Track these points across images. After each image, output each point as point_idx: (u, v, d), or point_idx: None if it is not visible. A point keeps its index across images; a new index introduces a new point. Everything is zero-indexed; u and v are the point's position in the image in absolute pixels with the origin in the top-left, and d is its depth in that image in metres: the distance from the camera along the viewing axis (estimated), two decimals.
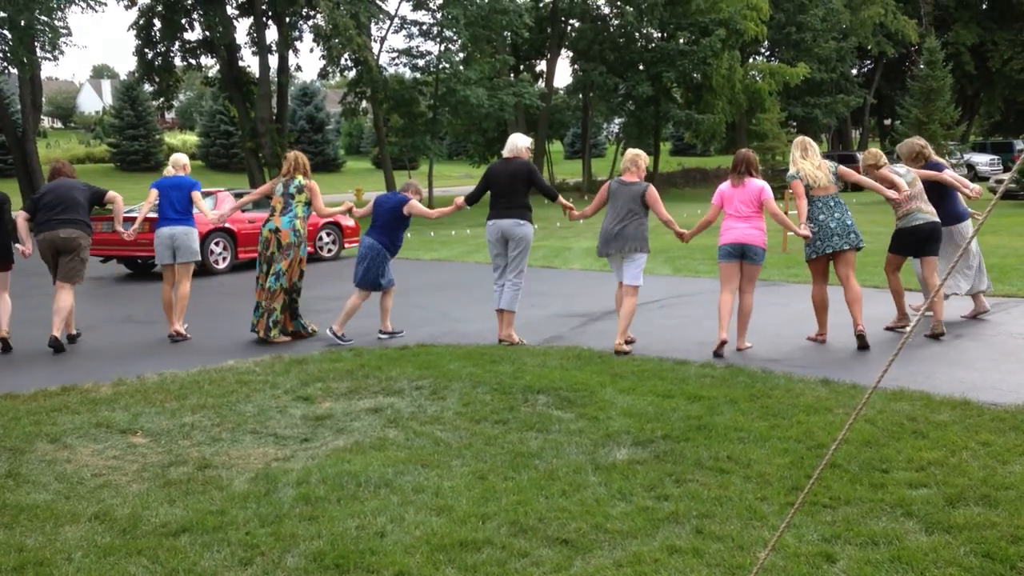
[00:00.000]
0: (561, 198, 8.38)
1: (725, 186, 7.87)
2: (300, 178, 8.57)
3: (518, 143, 8.29)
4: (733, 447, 4.91)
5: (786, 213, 8.29)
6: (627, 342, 7.79)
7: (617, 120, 50.05)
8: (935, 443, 4.88)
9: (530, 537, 3.83)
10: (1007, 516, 3.91)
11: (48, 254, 8.49)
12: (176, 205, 8.99)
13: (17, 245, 8.76)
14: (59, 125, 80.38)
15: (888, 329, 8.36)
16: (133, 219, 11.29)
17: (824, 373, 6.54)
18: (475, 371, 6.82)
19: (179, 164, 9.20)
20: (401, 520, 4.04)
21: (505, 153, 8.30)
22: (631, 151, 8.23)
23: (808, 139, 8.24)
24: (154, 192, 9.10)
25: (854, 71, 50.88)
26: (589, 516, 4.02)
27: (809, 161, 7.94)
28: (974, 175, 36.13)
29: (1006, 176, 29.24)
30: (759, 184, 7.78)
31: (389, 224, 8.50)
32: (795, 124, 44.22)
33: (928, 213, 8.16)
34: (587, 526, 3.92)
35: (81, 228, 8.49)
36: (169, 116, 75.04)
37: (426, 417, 5.70)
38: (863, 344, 7.54)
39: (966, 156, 35.74)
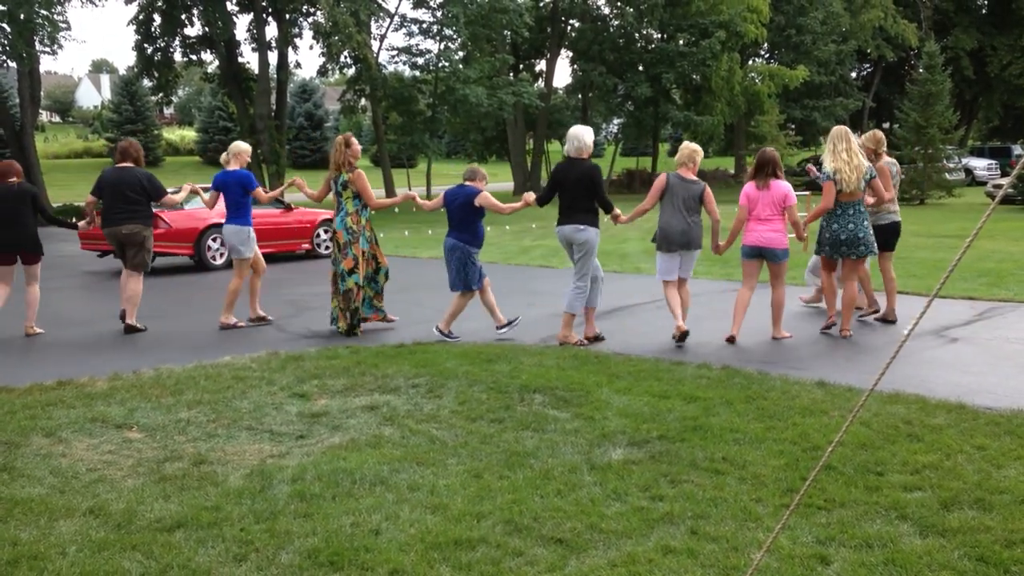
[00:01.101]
0: (615, 210, 8.11)
1: (750, 187, 7.99)
2: (344, 174, 8.55)
3: (586, 140, 7.90)
4: (728, 448, 4.91)
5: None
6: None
7: (616, 121, 50.00)
8: (930, 446, 4.89)
9: (525, 536, 3.83)
10: (1001, 520, 3.92)
11: (114, 245, 9.11)
12: (230, 204, 9.10)
13: (80, 223, 9.61)
14: (57, 119, 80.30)
15: (884, 320, 8.74)
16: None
17: (820, 375, 6.55)
18: (471, 370, 6.82)
19: (234, 152, 9.19)
20: (396, 518, 4.04)
21: (571, 151, 7.95)
22: (690, 146, 8.08)
23: (850, 132, 8.24)
24: (214, 193, 9.31)
25: (853, 74, 50.89)
26: (584, 516, 4.02)
27: (850, 160, 7.95)
28: (972, 179, 36.22)
29: (1004, 181, 29.30)
30: (784, 188, 7.97)
31: (465, 220, 8.24)
32: (793, 126, 44.21)
33: (895, 212, 8.68)
34: (582, 526, 3.92)
35: (142, 222, 8.96)
36: (168, 112, 74.90)
37: (422, 415, 5.70)
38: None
39: (964, 160, 35.76)
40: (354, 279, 8.55)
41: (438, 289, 11.84)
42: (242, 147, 9.30)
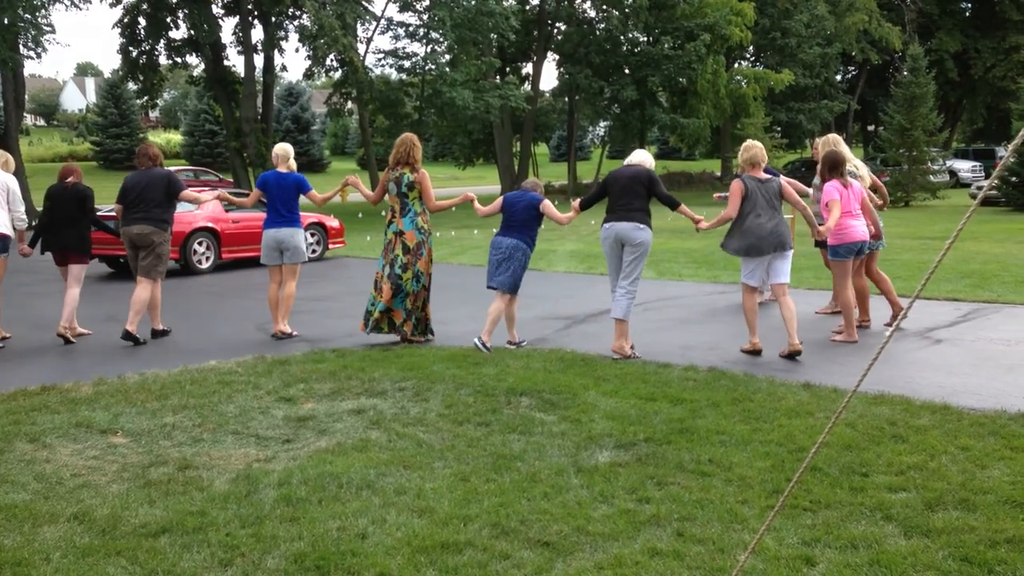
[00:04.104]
0: (685, 208, 7.79)
1: (838, 186, 7.95)
2: (408, 174, 8.29)
3: (643, 158, 7.87)
4: (715, 450, 4.92)
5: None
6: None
7: (603, 123, 50.11)
8: (915, 447, 4.92)
9: (512, 539, 3.83)
10: (985, 520, 3.94)
11: (128, 248, 8.83)
12: (282, 206, 8.84)
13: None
14: (42, 123, 79.83)
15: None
16: (110, 217, 11.27)
17: (805, 377, 6.57)
18: (458, 373, 6.82)
19: (287, 155, 8.94)
20: (383, 522, 4.03)
21: (632, 159, 7.89)
22: (757, 144, 7.86)
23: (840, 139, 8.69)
24: (257, 192, 9.12)
25: (838, 77, 51.13)
26: (571, 518, 4.03)
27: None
28: (956, 182, 36.44)
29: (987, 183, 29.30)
30: (859, 185, 8.21)
31: (527, 222, 8.09)
32: (779, 129, 44.39)
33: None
34: (568, 528, 3.92)
35: (155, 224, 8.66)
36: (153, 115, 74.63)
37: (409, 419, 5.69)
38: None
39: (948, 163, 35.98)
40: (423, 282, 8.36)
41: None
42: (289, 149, 9.07)
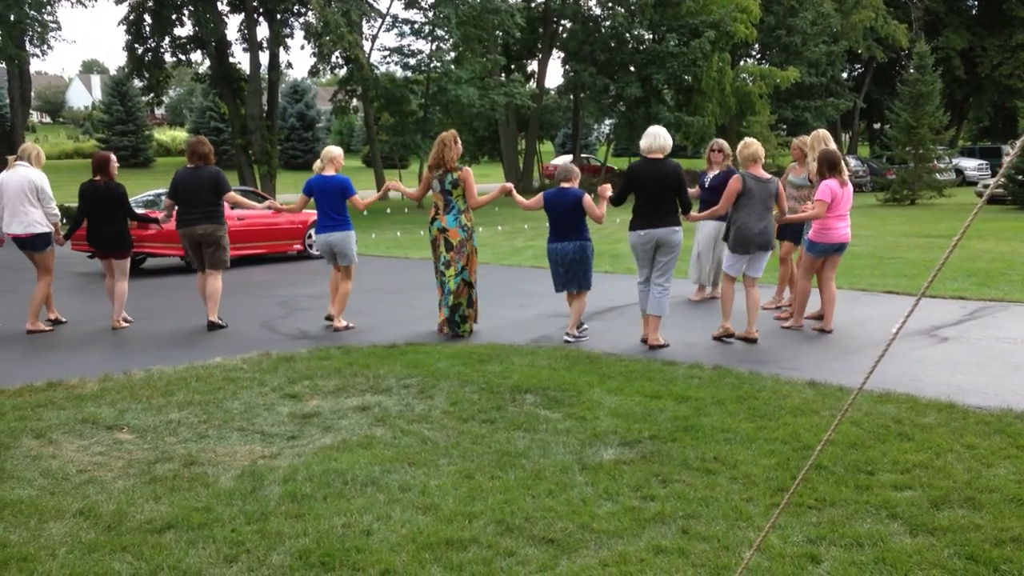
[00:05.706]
0: (692, 212, 8.08)
1: (834, 185, 8.04)
2: (453, 172, 8.33)
3: (666, 140, 7.69)
4: (720, 448, 4.92)
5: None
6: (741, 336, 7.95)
7: (608, 121, 50.04)
8: (920, 445, 4.91)
9: (516, 536, 3.84)
10: (991, 519, 3.94)
11: (189, 246, 9.13)
12: (330, 209, 8.87)
13: (159, 217, 9.91)
14: (48, 120, 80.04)
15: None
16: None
17: (811, 375, 6.56)
18: (463, 370, 6.82)
19: (328, 158, 8.95)
20: (387, 518, 4.04)
21: (651, 150, 7.69)
22: (755, 142, 7.93)
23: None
24: (303, 197, 9.16)
25: (844, 75, 51.00)
26: (575, 516, 4.03)
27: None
28: (963, 180, 36.35)
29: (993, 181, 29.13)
30: (850, 186, 8.27)
31: (574, 223, 8.09)
32: (785, 127, 44.28)
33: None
34: (573, 526, 3.92)
35: (216, 221, 9.01)
36: (159, 112, 74.73)
37: (413, 416, 5.69)
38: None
39: (954, 161, 35.89)
40: (464, 278, 8.42)
41: (429, 289, 11.84)
42: (336, 152, 9.07)
